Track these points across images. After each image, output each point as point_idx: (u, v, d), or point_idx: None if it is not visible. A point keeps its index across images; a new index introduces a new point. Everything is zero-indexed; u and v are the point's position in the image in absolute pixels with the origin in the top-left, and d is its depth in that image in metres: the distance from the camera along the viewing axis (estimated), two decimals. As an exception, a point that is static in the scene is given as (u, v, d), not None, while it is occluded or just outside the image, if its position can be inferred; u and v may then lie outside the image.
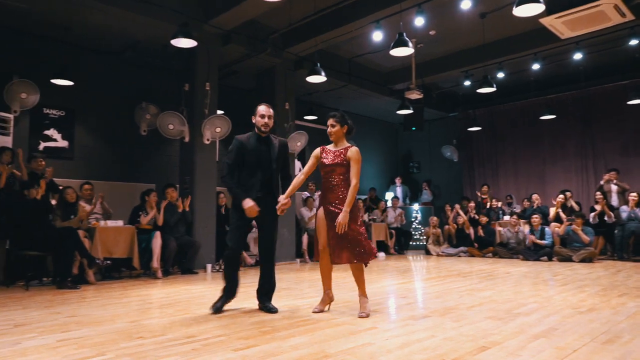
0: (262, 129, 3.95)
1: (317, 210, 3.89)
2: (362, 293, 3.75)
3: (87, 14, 6.77)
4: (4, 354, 2.67)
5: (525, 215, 9.68)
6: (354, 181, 3.68)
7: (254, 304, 4.13)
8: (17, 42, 7.37)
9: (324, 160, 3.80)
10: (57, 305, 4.25)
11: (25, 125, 7.41)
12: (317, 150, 3.88)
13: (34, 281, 5.62)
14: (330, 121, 3.82)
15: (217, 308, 3.84)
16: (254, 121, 4.00)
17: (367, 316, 3.59)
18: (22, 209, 5.62)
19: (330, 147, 3.86)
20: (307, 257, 9.01)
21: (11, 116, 6.69)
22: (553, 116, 10.40)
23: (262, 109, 3.99)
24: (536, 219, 8.91)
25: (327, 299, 3.88)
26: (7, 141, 6.48)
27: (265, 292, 3.98)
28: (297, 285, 5.64)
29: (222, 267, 3.83)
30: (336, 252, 3.66)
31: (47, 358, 2.57)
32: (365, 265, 3.77)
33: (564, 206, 9.20)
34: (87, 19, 7.00)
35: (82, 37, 7.69)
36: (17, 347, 2.80)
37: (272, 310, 3.85)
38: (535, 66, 9.02)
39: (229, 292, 3.92)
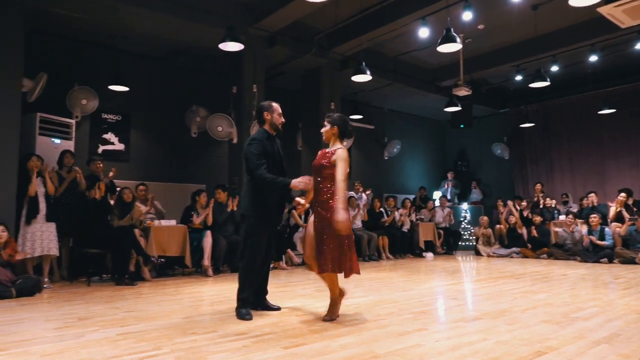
0: (280, 127, 3.87)
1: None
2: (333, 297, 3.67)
3: (139, 22, 7.08)
4: (69, 345, 2.84)
5: (582, 215, 9.21)
6: (338, 177, 3.40)
7: (302, 303, 4.18)
8: (77, 51, 7.81)
9: (314, 162, 3.62)
10: (117, 301, 4.47)
11: (85, 130, 7.85)
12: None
13: (95, 277, 5.95)
14: (324, 121, 3.66)
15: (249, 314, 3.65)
16: (268, 118, 3.82)
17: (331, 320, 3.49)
18: (84, 210, 5.95)
19: (326, 148, 3.66)
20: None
21: (73, 121, 7.10)
22: (613, 110, 9.83)
23: (279, 106, 3.89)
24: (594, 218, 8.46)
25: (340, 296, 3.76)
26: (69, 145, 6.87)
27: (265, 291, 3.98)
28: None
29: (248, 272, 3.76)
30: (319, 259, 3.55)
31: (108, 351, 2.71)
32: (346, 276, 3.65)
33: (626, 205, 8.68)
34: (139, 27, 7.32)
35: (135, 44, 8.05)
36: (81, 340, 2.97)
37: (277, 308, 3.92)
38: (593, 58, 8.56)
39: (249, 300, 3.75)
